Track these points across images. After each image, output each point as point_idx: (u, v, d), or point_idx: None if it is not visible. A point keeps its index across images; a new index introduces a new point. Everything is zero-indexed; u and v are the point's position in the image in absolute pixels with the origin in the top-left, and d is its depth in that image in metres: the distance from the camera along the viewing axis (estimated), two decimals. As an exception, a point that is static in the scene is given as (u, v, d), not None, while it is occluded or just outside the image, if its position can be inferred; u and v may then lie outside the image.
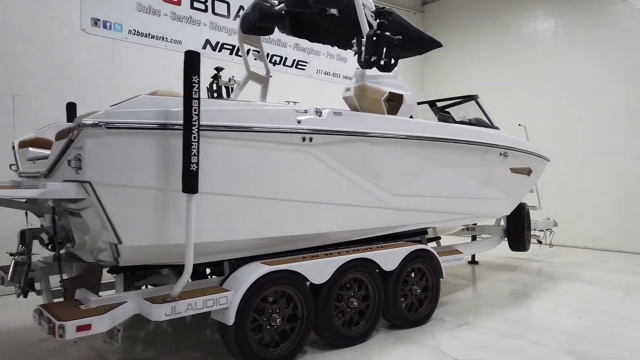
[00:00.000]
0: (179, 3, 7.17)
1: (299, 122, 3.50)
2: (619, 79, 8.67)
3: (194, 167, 2.77)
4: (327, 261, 3.69)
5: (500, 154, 5.28)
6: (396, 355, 3.67)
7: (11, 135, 5.66)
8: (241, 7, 7.96)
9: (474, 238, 7.13)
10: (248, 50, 5.74)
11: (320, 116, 3.63)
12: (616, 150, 8.66)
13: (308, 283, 3.60)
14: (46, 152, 3.81)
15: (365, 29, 4.07)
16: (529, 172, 5.97)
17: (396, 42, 3.75)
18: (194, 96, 2.76)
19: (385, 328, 4.25)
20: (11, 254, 3.51)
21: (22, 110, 5.75)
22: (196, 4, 7.38)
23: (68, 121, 4.67)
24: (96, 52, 6.32)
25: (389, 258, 4.10)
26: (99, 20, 6.34)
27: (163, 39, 6.98)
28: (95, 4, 6.31)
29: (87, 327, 2.69)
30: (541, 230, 7.82)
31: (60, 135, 3.04)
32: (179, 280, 2.96)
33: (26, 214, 3.80)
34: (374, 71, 4.11)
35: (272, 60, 8.42)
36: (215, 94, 5.83)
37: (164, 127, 2.89)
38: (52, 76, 5.96)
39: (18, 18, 5.72)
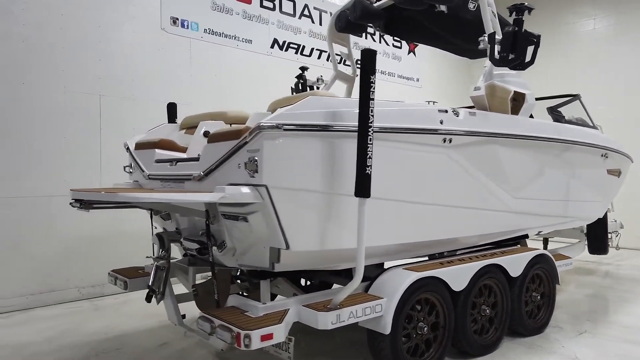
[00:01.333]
0: (249, 2, 7.07)
1: (441, 122, 3.38)
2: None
3: (369, 170, 2.66)
4: (465, 267, 3.57)
5: (602, 155, 5.15)
6: (537, 364, 3.54)
7: (98, 135, 5.59)
8: (305, 6, 7.87)
9: (545, 242, 6.98)
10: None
11: (457, 116, 3.51)
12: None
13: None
14: (173, 153, 3.73)
15: (489, 26, 3.95)
16: (619, 173, 5.82)
17: (534, 38, 3.61)
18: (371, 96, 2.64)
19: (506, 336, 4.11)
20: (153, 259, 3.42)
21: (107, 110, 5.67)
22: (265, 3, 7.28)
23: (169, 120, 4.59)
24: (175, 51, 6.24)
25: (515, 263, 3.97)
26: (177, 19, 6.26)
27: (235, 37, 6.89)
28: (174, 3, 6.22)
29: (270, 336, 2.58)
30: (610, 233, 7.65)
31: (216, 137, 2.94)
32: (348, 286, 2.85)
33: (151, 216, 3.71)
34: (500, 69, 4.00)
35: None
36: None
37: (334, 129, 2.79)
38: (135, 76, 5.88)
39: (100, 18, 5.64)
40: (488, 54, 3.80)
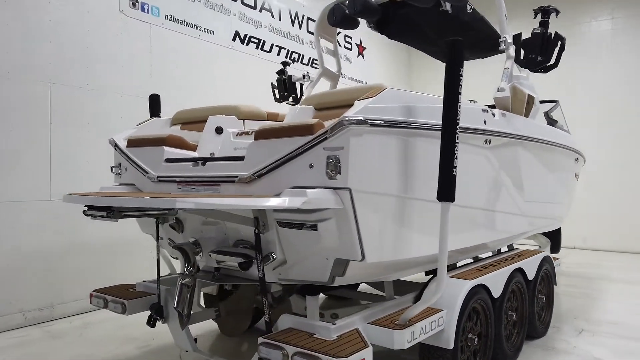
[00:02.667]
0: (211, -11, 6.52)
1: (485, 122, 3.25)
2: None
3: (455, 172, 2.42)
4: (500, 273, 3.47)
5: (575, 159, 5.41)
6: (566, 367, 3.54)
7: (47, 125, 4.76)
8: (265, -1, 7.46)
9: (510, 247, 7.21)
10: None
11: (494, 117, 3.41)
12: (603, 158, 9.22)
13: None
14: (183, 152, 3.21)
15: (504, 28, 3.93)
16: (578, 176, 6.18)
17: (562, 40, 3.63)
18: (459, 90, 2.40)
19: (518, 339, 4.10)
20: (180, 275, 2.87)
21: (58, 100, 4.84)
22: (227, -8, 6.76)
23: (151, 114, 4.01)
24: (134, 38, 5.53)
25: (531, 266, 3.98)
26: (137, 1, 5.55)
27: (197, 27, 6.29)
28: (134, -17, 5.52)
29: (361, 364, 2.23)
30: None
31: (271, 133, 2.53)
32: (423, 300, 2.58)
33: (157, 225, 3.15)
34: (517, 71, 3.99)
35: (292, 57, 7.98)
36: (284, 91, 5.35)
37: (411, 125, 2.51)
38: (90, 62, 5.10)
39: (55, -9, 4.82)
40: (509, 55, 3.76)
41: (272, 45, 7.56)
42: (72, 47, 4.94)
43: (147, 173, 3.17)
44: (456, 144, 2.40)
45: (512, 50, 3.85)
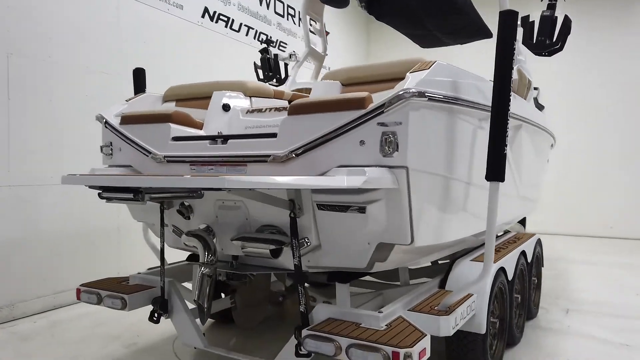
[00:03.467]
0: (180, -41, 6.07)
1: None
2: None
3: (505, 150, 2.33)
4: (512, 255, 3.47)
5: (551, 145, 5.57)
6: (572, 346, 3.60)
7: (5, 105, 4.22)
8: (234, -26, 7.08)
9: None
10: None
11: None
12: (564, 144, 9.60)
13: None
14: (190, 130, 2.91)
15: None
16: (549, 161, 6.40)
17: (569, 23, 3.63)
18: (512, 65, 2.30)
19: (514, 320, 4.15)
20: (200, 265, 2.58)
21: (17, 73, 4.29)
22: (196, -36, 6.33)
23: (136, 90, 3.66)
24: (101, 8, 5.02)
25: (530, 248, 4.02)
26: (103, -33, 5.04)
27: (165, 0, 5.84)
28: (100, -54, 5.00)
29: (424, 352, 2.09)
30: None
31: (311, 108, 2.31)
32: (472, 283, 2.48)
33: (162, 211, 2.83)
34: (517, 55, 3.98)
35: (260, 38, 7.65)
36: (268, 71, 5.07)
37: (460, 102, 2.39)
38: (53, 33, 4.57)
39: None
40: (522, 38, 3.73)
41: (240, 24, 7.20)
42: (32, 15, 4.39)
43: (149, 153, 2.85)
44: (508, 123, 2.31)
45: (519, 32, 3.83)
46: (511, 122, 3.28)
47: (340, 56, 9.99)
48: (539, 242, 4.39)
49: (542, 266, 4.62)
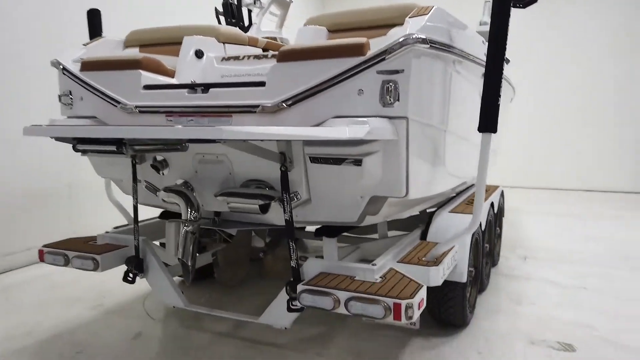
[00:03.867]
0: None
1: (485, 55, 3.17)
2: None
3: (499, 101, 2.31)
4: (485, 206, 3.55)
5: (511, 99, 5.68)
6: (534, 290, 3.79)
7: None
8: None
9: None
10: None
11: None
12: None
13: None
14: (162, 78, 2.69)
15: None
16: (503, 117, 6.56)
17: None
18: (509, 12, 2.24)
19: (478, 269, 4.32)
20: (183, 222, 2.43)
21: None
22: None
23: (91, 33, 3.33)
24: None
25: (496, 199, 4.14)
26: None
27: None
28: None
29: (422, 302, 2.10)
30: None
31: (305, 54, 2.16)
32: (454, 237, 2.50)
33: (133, 165, 2.63)
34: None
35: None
36: (231, 18, 4.77)
37: (456, 52, 2.33)
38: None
39: None
40: None
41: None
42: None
43: (118, 103, 2.60)
44: (502, 73, 2.28)
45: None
46: (478, 70, 3.29)
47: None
48: (502, 194, 4.54)
49: (503, 216, 4.79)
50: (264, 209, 2.34)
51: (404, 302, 1.96)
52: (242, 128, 1.71)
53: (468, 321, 3.09)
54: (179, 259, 2.46)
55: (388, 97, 2.03)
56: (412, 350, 2.79)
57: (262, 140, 2.04)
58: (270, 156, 2.26)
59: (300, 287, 2.15)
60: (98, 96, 2.68)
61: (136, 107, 2.55)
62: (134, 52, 3.12)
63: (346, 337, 2.95)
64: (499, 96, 2.28)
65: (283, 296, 2.35)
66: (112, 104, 2.63)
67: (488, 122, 2.29)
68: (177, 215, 3.07)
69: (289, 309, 2.29)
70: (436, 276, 2.41)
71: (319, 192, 2.35)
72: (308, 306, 2.13)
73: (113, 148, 1.90)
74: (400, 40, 2.00)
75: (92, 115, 2.76)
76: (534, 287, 3.89)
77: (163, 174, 2.71)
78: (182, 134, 1.75)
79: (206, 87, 2.41)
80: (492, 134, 2.35)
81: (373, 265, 2.30)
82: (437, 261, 2.48)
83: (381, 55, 2.02)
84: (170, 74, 2.77)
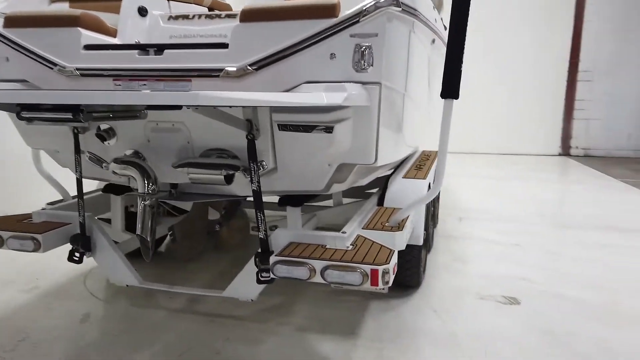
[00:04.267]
0: None
1: (435, 20, 3.21)
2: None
3: (461, 67, 2.34)
4: (432, 171, 3.64)
5: None
6: (474, 248, 4.02)
7: None
8: None
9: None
10: None
11: (437, 19, 3.38)
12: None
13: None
14: (103, 37, 2.44)
15: None
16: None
17: None
18: (473, -21, 2.25)
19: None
20: (140, 195, 2.24)
21: None
22: None
23: None
24: None
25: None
26: None
27: None
28: None
29: (395, 267, 2.12)
30: None
31: (270, 14, 2.04)
32: (419, 200, 2.54)
33: (75, 134, 2.39)
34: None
35: None
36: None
37: (418, 16, 2.31)
38: None
39: None
40: None
41: None
42: None
43: (54, 65, 2.32)
44: (465, 38, 2.30)
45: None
46: (429, 35, 3.33)
47: None
48: (440, 158, 4.70)
49: (441, 181, 4.98)
50: (229, 179, 2.23)
51: (380, 268, 1.98)
52: (221, 93, 1.59)
53: (421, 281, 3.21)
54: (137, 235, 2.30)
55: (362, 62, 1.98)
56: (373, 314, 2.86)
57: (230, 106, 1.93)
58: (236, 123, 2.14)
59: (273, 259, 2.09)
60: (28, 57, 2.38)
61: (77, 69, 2.29)
62: (62, 7, 2.80)
63: (307, 306, 2.96)
64: (462, 62, 2.30)
65: (250, 268, 2.29)
66: (47, 66, 2.34)
67: (451, 88, 2.31)
68: (123, 189, 2.87)
69: (259, 281, 2.23)
70: (401, 241, 2.46)
71: (286, 160, 2.28)
72: (282, 277, 2.08)
73: (67, 115, 1.69)
74: (375, 2, 1.94)
75: (21, 78, 2.45)
76: (474, 246, 4.12)
77: (109, 143, 2.49)
78: (149, 99, 1.59)
79: (160, 49, 2.21)
80: (454, 100, 2.38)
81: (343, 232, 2.29)
82: (399, 226, 2.52)
83: (355, 18, 1.96)
84: (112, 33, 2.52)
